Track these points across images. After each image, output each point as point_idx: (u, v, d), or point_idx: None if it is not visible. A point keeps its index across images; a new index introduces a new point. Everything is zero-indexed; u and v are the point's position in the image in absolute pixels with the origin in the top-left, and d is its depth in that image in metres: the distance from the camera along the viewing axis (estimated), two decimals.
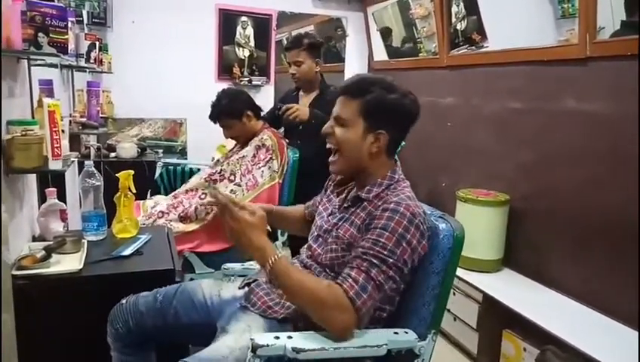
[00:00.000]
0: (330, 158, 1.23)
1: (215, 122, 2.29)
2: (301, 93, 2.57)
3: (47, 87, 1.71)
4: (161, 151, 3.49)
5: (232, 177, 2.19)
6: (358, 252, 1.09)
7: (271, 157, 2.22)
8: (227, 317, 1.22)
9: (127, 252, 1.57)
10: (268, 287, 1.25)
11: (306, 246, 1.32)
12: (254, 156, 2.22)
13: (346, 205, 1.23)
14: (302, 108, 2.30)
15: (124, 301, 1.35)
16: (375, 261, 1.06)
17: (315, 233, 1.28)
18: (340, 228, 1.19)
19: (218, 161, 2.40)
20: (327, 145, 1.24)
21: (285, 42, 5.74)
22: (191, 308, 1.31)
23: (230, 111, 2.24)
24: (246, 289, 1.30)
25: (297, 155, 2.28)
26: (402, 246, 1.07)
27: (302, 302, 1.09)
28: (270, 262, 1.07)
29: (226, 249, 2.10)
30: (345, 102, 1.19)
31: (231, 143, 2.54)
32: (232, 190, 2.14)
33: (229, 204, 1.10)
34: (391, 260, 1.06)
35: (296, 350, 1.01)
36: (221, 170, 2.21)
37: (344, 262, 1.13)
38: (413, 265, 1.11)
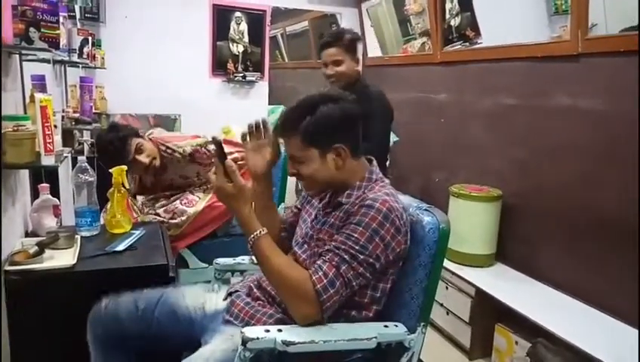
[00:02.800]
0: (304, 184, 1.23)
1: (124, 160, 1.91)
2: None
3: (40, 83, 1.70)
4: None
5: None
6: (331, 246, 1.10)
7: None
8: (211, 333, 1.22)
9: (121, 247, 1.58)
10: (247, 298, 1.26)
11: (289, 253, 1.30)
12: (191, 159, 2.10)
13: (328, 210, 1.22)
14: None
15: (103, 305, 1.32)
16: (346, 256, 1.07)
17: (300, 240, 1.27)
18: (321, 232, 1.20)
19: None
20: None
21: (281, 39, 5.76)
22: (174, 320, 1.30)
23: (135, 131, 2.07)
24: (228, 300, 1.30)
25: None
26: (375, 241, 1.08)
27: (273, 282, 1.14)
28: (252, 238, 1.10)
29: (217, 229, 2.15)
30: (287, 141, 1.18)
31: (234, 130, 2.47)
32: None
33: (222, 166, 1.10)
34: (362, 256, 1.07)
35: (286, 343, 1.02)
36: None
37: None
38: (387, 261, 1.11)
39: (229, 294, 1.32)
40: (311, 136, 1.14)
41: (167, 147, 2.06)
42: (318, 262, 1.09)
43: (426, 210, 1.20)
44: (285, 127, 1.18)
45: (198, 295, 1.37)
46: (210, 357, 1.09)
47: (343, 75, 2.17)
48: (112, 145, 1.94)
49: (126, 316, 1.30)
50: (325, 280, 1.05)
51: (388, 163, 2.60)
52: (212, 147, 2.06)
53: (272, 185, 1.40)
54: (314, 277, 1.06)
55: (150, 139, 2.08)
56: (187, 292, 1.37)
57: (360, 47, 2.29)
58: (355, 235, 1.08)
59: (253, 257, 1.15)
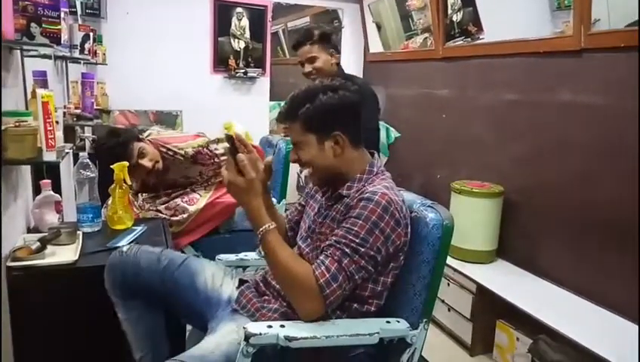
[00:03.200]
0: (305, 173, 1.27)
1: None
2: None
3: (41, 79, 1.70)
4: None
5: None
6: (332, 240, 1.11)
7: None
8: (218, 320, 1.24)
9: (123, 243, 1.58)
10: (255, 291, 1.28)
11: (295, 248, 1.31)
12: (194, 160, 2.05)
13: (330, 203, 1.24)
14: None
15: (125, 249, 1.36)
16: (347, 250, 1.08)
17: (304, 234, 1.29)
18: (324, 226, 1.21)
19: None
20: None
21: (282, 34, 5.74)
22: (190, 287, 1.33)
23: (135, 135, 2.05)
24: (239, 289, 1.31)
25: (291, 146, 2.27)
26: (375, 234, 1.09)
27: (278, 276, 1.16)
28: (260, 231, 1.12)
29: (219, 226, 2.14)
30: (290, 127, 1.22)
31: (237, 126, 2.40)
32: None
33: (234, 160, 1.13)
34: (363, 249, 1.08)
35: (288, 338, 1.02)
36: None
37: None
38: (388, 253, 1.12)
39: (240, 283, 1.35)
40: (310, 122, 1.17)
41: (169, 149, 2.04)
42: (321, 257, 1.10)
43: (429, 206, 1.20)
44: (288, 114, 1.21)
45: (217, 275, 1.39)
46: (216, 349, 1.10)
47: (321, 70, 2.22)
48: (113, 151, 1.92)
49: (146, 266, 1.33)
50: (328, 275, 1.06)
51: (386, 159, 2.56)
52: (214, 146, 2.07)
53: (271, 188, 1.41)
54: (316, 272, 1.07)
55: (150, 141, 2.07)
56: (208, 268, 1.40)
57: (332, 41, 2.30)
58: (356, 228, 1.09)
59: (261, 250, 1.16)
